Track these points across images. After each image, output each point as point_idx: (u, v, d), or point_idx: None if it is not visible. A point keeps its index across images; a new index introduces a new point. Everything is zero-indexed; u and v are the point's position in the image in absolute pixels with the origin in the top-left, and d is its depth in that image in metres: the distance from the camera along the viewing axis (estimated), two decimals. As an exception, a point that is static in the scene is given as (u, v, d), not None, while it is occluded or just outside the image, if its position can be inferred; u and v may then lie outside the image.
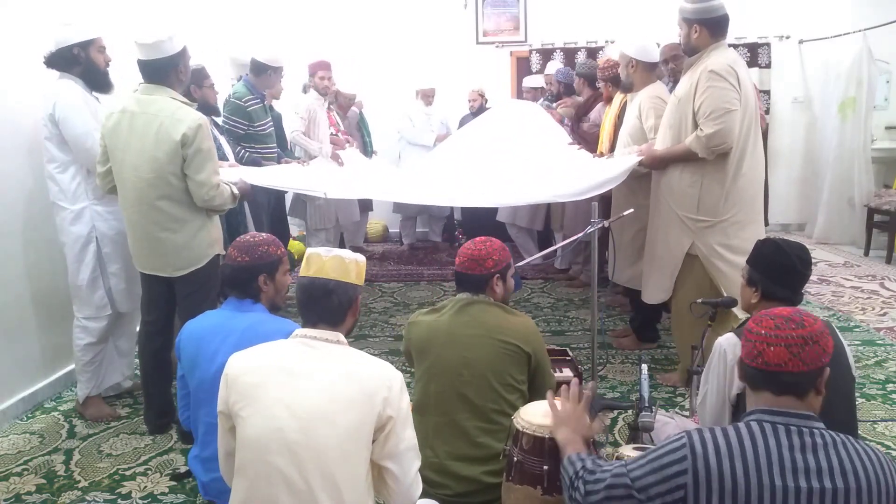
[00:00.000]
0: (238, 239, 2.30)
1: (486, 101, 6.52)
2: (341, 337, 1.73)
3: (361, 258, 1.81)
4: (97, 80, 3.11)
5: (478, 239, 2.41)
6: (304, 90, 5.33)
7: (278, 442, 1.56)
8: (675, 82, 4.03)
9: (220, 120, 4.22)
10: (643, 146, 3.50)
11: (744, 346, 1.43)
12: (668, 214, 3.26)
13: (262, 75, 4.39)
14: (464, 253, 2.36)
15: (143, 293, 3.07)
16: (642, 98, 3.65)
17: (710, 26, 3.05)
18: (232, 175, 3.29)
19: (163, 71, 2.78)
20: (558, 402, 1.87)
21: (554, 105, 5.50)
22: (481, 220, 6.34)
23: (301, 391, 1.60)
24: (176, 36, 2.79)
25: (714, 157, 3.08)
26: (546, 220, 5.93)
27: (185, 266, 2.87)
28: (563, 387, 1.91)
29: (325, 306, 1.72)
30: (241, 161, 4.07)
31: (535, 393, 2.36)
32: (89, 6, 3.73)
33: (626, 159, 3.52)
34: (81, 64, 3.06)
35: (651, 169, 3.42)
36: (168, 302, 2.99)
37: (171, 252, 2.84)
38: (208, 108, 3.93)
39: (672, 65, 4.00)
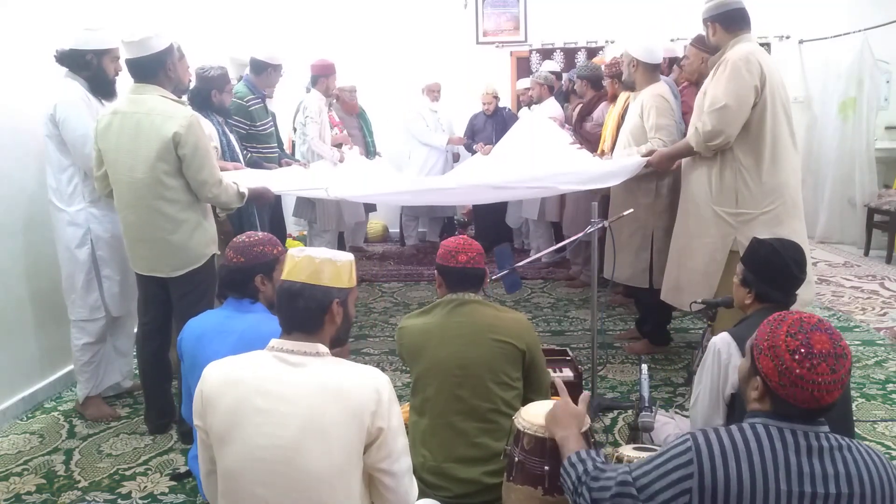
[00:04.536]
0: (235, 239, 2.28)
1: (499, 100, 6.53)
2: (321, 347, 1.57)
3: (342, 257, 1.63)
4: (103, 88, 3.12)
5: (460, 237, 2.39)
6: (308, 90, 5.33)
7: (262, 472, 1.47)
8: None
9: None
10: (646, 147, 3.50)
11: (797, 392, 1.31)
12: (704, 214, 3.17)
13: (262, 74, 4.39)
14: (467, 249, 2.33)
15: (139, 294, 3.06)
16: (645, 97, 3.64)
17: (724, 21, 3.05)
18: (248, 179, 3.30)
19: (151, 69, 2.77)
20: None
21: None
22: (489, 222, 6.38)
23: (282, 417, 1.47)
24: (162, 33, 2.79)
25: (710, 152, 3.08)
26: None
27: (182, 266, 2.86)
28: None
29: (293, 312, 1.57)
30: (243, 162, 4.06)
31: (530, 390, 2.36)
32: (90, 7, 3.73)
33: (632, 159, 3.50)
34: (91, 70, 3.07)
35: (658, 169, 3.41)
36: (164, 302, 2.98)
37: (167, 253, 2.83)
38: (223, 111, 3.95)
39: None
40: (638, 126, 3.67)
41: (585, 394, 1.91)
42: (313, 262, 1.59)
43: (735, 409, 2.01)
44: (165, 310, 3.00)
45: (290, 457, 1.46)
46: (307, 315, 1.58)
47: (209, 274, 2.93)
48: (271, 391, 1.50)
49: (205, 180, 2.79)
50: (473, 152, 6.32)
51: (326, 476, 1.48)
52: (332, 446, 1.48)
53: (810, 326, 1.34)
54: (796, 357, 1.31)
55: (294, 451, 1.46)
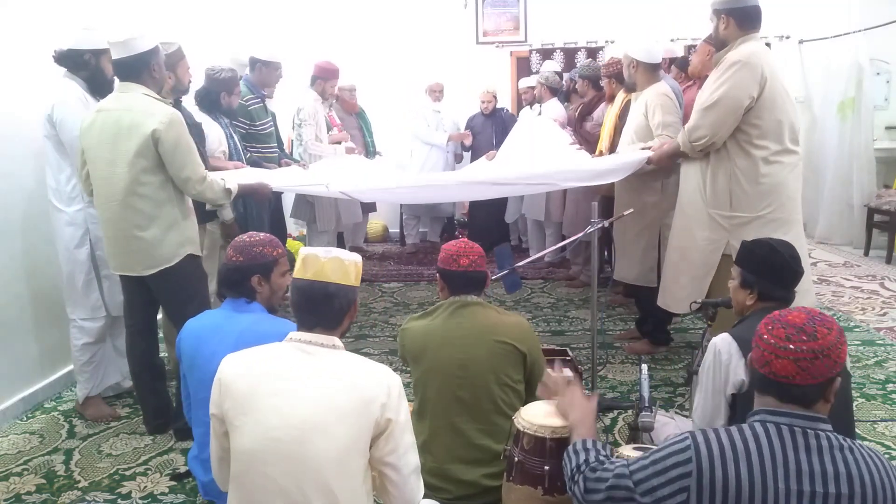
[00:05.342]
0: (236, 238, 2.29)
1: (498, 101, 6.52)
2: (337, 341, 1.67)
3: (358, 258, 1.76)
4: (101, 87, 3.11)
5: (461, 240, 2.39)
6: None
7: (274, 452, 1.53)
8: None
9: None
10: (651, 143, 3.48)
11: (754, 350, 1.39)
12: (698, 215, 3.14)
13: (254, 71, 4.41)
14: (469, 252, 2.32)
15: (124, 296, 3.05)
16: (649, 96, 3.63)
17: (739, 17, 2.96)
18: (246, 177, 3.30)
19: (135, 68, 2.78)
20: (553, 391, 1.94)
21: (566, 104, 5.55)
22: (489, 222, 6.38)
23: (297, 400, 1.55)
24: (147, 35, 2.80)
25: (695, 153, 3.06)
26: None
27: (154, 265, 2.83)
28: (547, 378, 1.98)
29: (325, 311, 1.67)
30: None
31: (530, 393, 2.35)
32: (95, 8, 3.73)
33: (634, 154, 3.48)
34: (90, 70, 3.07)
35: (659, 166, 3.39)
36: (147, 304, 2.97)
37: (140, 250, 2.81)
38: (231, 114, 3.96)
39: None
40: (643, 125, 3.65)
41: (595, 396, 1.96)
42: (343, 263, 1.68)
43: (736, 409, 2.02)
44: (150, 311, 2.99)
45: (301, 437, 1.53)
46: (339, 313, 1.69)
47: (191, 275, 2.91)
48: (287, 375, 1.59)
49: (188, 177, 2.78)
50: (469, 150, 6.33)
51: (333, 459, 1.53)
52: (341, 431, 1.54)
53: (804, 310, 1.38)
54: (767, 323, 1.38)
55: (305, 433, 1.53)
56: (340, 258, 1.69)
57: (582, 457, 1.53)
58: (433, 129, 6.43)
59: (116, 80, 2.87)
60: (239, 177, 3.24)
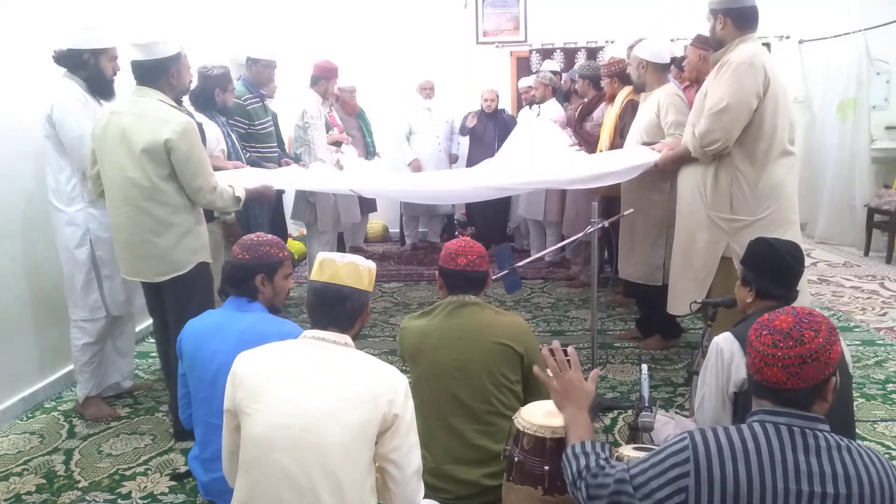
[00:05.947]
0: (244, 237, 2.30)
1: (498, 102, 6.53)
2: (349, 340, 1.75)
3: (373, 265, 1.84)
4: (100, 87, 3.11)
5: (462, 240, 2.39)
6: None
7: (283, 439, 1.57)
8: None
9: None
10: (658, 144, 3.47)
11: (748, 355, 1.40)
12: (697, 217, 3.14)
13: (249, 70, 4.41)
14: (468, 252, 2.32)
15: (145, 296, 3.07)
16: (661, 95, 3.63)
17: (736, 17, 2.95)
18: (248, 178, 3.29)
19: (154, 73, 2.76)
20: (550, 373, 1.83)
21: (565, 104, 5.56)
22: (490, 223, 6.36)
23: (308, 390, 1.61)
24: (171, 40, 2.78)
25: (707, 158, 3.04)
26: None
27: (167, 272, 2.82)
28: (547, 356, 1.84)
29: (338, 312, 1.75)
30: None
31: (528, 393, 2.35)
32: (95, 8, 3.73)
33: (640, 157, 3.47)
34: (89, 69, 3.06)
35: (665, 170, 3.38)
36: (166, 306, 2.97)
37: (153, 256, 2.80)
38: (226, 111, 3.95)
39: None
40: (654, 123, 3.65)
41: (595, 371, 1.90)
42: (357, 268, 1.78)
43: (738, 408, 2.02)
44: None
45: (310, 425, 1.57)
46: (351, 315, 1.78)
47: (200, 281, 2.90)
48: (301, 368, 1.66)
49: (200, 187, 2.78)
50: (467, 134, 6.33)
51: (340, 447, 1.58)
52: (349, 421, 1.59)
53: (792, 311, 1.37)
54: (756, 328, 1.38)
55: (314, 420, 1.58)
56: (356, 263, 1.78)
57: (582, 461, 1.53)
58: (426, 125, 6.42)
59: (123, 80, 2.84)
60: (241, 179, 3.23)
